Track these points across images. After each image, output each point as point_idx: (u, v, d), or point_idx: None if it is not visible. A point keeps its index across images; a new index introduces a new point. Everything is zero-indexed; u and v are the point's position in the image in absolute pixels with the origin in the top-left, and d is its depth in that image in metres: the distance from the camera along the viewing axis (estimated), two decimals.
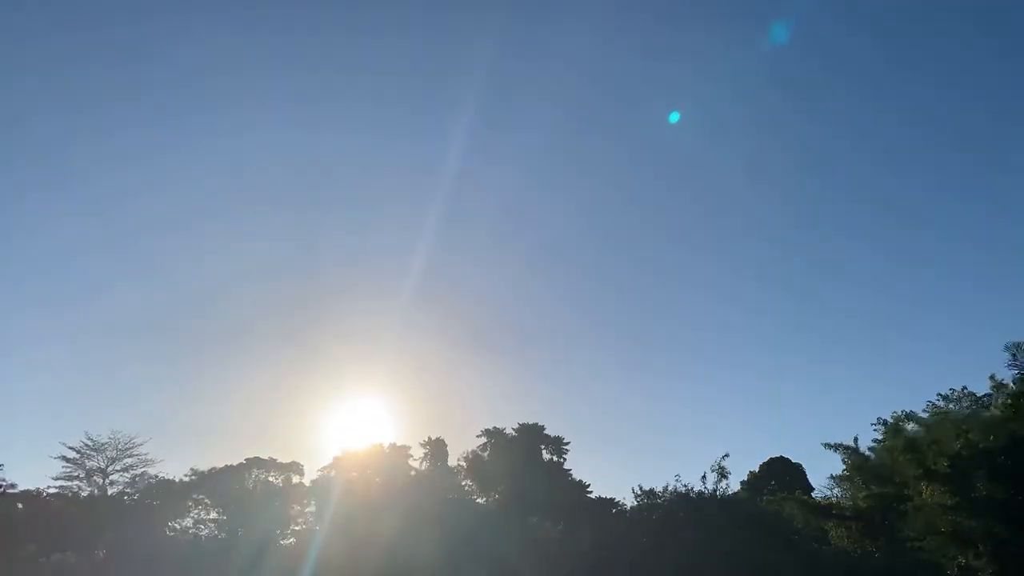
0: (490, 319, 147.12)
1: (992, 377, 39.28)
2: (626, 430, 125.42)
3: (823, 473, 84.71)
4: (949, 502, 34.29)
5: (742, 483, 62.57)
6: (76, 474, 61.80)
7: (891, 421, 41.68)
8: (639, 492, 54.61)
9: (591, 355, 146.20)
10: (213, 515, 60.85)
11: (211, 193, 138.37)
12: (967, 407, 40.91)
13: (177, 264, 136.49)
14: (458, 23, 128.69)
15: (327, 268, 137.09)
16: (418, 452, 62.04)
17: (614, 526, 49.85)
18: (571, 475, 59.50)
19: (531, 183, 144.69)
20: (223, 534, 58.51)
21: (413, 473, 60.00)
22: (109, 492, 61.64)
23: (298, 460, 63.89)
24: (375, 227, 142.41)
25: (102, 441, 62.26)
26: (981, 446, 34.68)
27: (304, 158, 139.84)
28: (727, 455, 48.96)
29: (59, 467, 61.20)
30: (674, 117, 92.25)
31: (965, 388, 41.70)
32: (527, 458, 59.03)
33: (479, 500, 58.15)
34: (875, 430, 43.88)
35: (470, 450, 62.19)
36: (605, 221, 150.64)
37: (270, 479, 62.90)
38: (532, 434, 61.40)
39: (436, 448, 61.71)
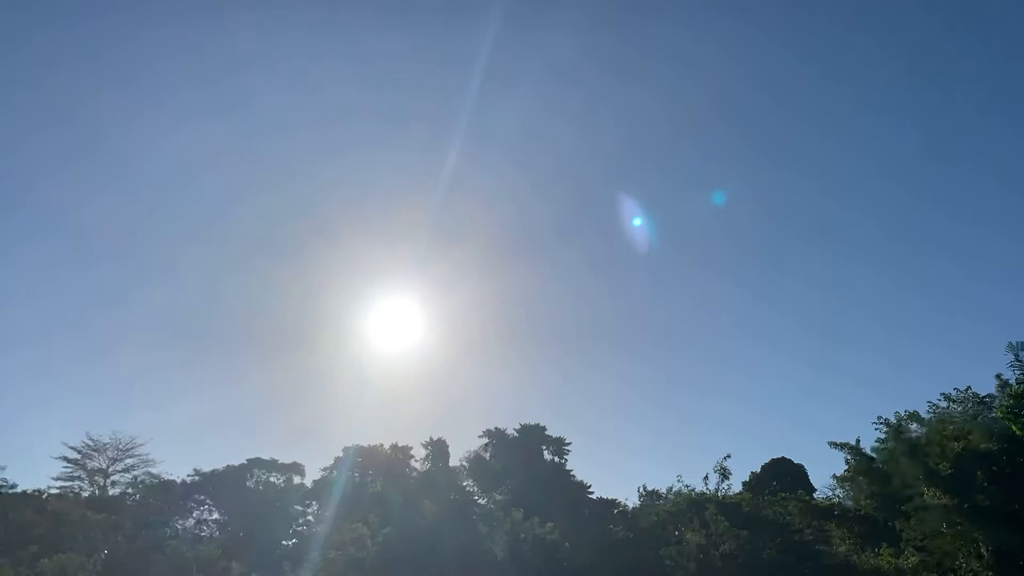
0: (491, 320, 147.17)
1: (998, 376, 38.85)
2: (628, 431, 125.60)
3: (825, 474, 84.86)
4: (950, 504, 34.12)
5: (744, 484, 62.38)
6: (77, 474, 62.13)
7: (894, 421, 41.46)
8: (643, 492, 54.72)
9: (593, 355, 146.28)
10: (215, 515, 61.00)
11: (203, 185, 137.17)
12: (970, 408, 40.64)
13: (174, 264, 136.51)
14: None
15: (327, 269, 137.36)
16: (420, 453, 62.20)
17: (615, 527, 49.84)
18: (572, 476, 59.54)
19: (530, 183, 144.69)
20: (225, 534, 58.54)
21: (415, 474, 60.01)
22: (110, 492, 61.78)
23: (299, 461, 64.16)
24: (373, 224, 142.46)
25: (103, 441, 62.56)
26: (982, 448, 34.50)
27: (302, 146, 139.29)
28: (729, 456, 48.81)
29: (60, 467, 61.47)
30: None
31: (969, 388, 41.41)
32: (529, 459, 59.07)
33: (480, 500, 58.11)
34: (876, 429, 43.69)
35: (472, 451, 62.36)
36: (603, 222, 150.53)
37: (272, 479, 63.08)
38: (533, 435, 61.46)
39: (438, 449, 61.70)
